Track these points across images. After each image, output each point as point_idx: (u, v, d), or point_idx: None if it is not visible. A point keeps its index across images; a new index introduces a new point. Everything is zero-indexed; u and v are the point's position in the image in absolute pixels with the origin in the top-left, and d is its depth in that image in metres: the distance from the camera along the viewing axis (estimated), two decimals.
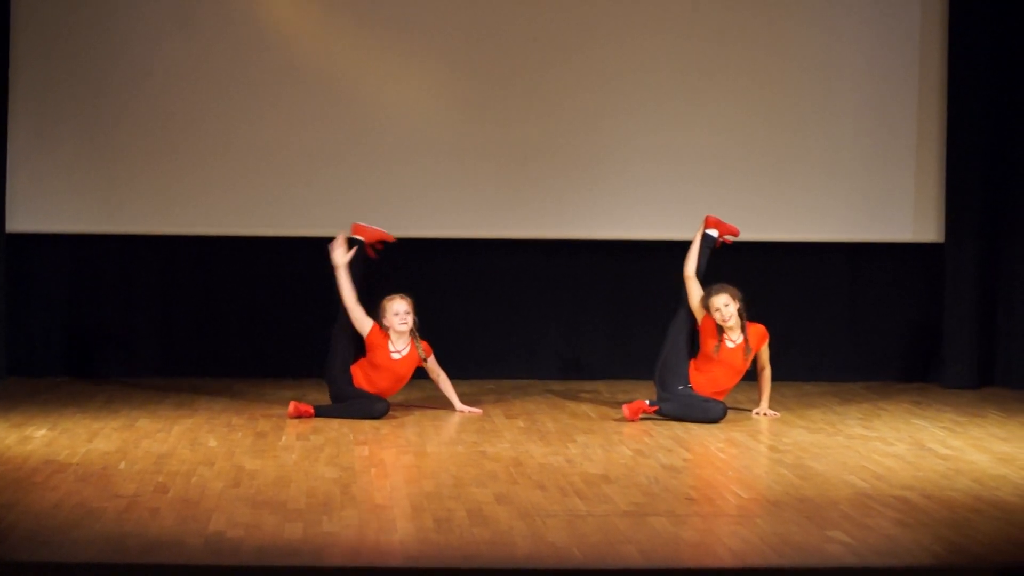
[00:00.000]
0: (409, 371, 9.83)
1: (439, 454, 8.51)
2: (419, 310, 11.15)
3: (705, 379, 9.80)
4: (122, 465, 8.01)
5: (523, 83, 11.22)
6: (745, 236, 11.20)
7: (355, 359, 9.81)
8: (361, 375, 9.78)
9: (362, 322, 9.73)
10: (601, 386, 11.11)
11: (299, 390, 10.64)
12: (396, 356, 9.74)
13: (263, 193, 11.15)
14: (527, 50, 11.22)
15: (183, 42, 11.06)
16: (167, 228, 11.17)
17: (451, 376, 11.08)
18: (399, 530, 6.67)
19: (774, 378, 10.92)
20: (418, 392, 10.58)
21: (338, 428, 9.30)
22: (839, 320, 11.64)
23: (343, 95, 11.15)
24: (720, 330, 9.77)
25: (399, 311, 9.71)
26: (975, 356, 11.39)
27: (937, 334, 11.51)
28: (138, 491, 7.36)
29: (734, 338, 9.80)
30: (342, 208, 11.09)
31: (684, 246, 11.01)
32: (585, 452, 8.59)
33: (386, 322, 9.73)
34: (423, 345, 9.85)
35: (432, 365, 9.97)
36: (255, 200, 11.14)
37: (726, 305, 9.72)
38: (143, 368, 11.28)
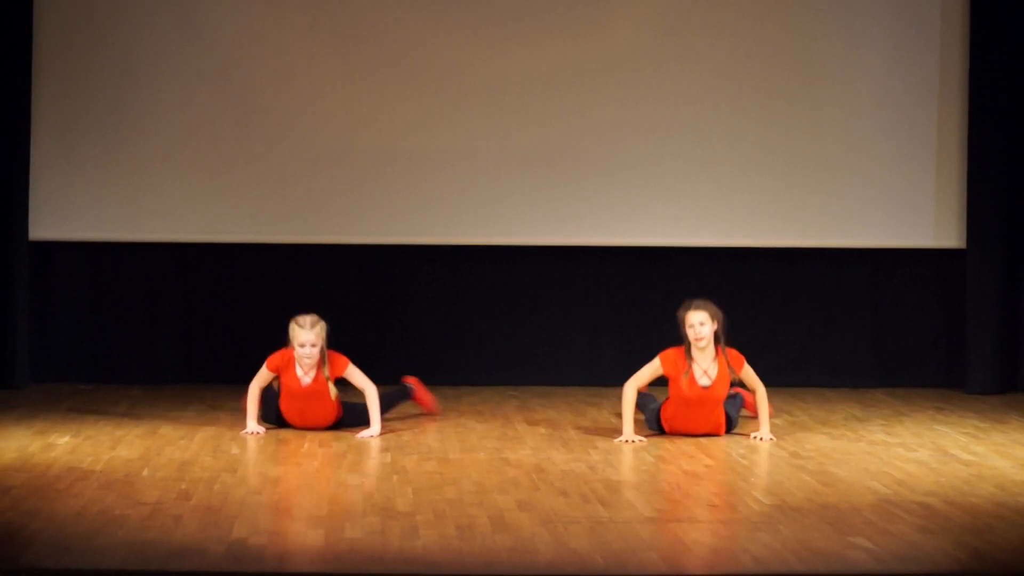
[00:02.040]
0: (327, 393, 9.28)
1: (461, 461, 8.51)
2: (441, 317, 11.18)
3: (679, 421, 9.24)
4: (145, 472, 8.03)
5: (543, 91, 11.22)
6: (765, 242, 11.21)
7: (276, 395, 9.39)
8: (287, 409, 9.34)
9: (261, 376, 9.27)
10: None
11: None
12: (306, 381, 9.26)
13: (287, 200, 11.16)
14: (545, 56, 11.22)
15: (203, 51, 11.08)
16: (189, 235, 11.20)
17: (473, 383, 11.12)
18: (421, 537, 6.68)
19: (796, 383, 10.94)
20: (441, 400, 10.60)
21: (360, 435, 9.30)
22: (861, 326, 11.62)
23: (364, 103, 11.16)
24: (688, 358, 9.13)
25: (304, 343, 9.12)
26: (998, 362, 11.36)
27: (959, 340, 11.48)
28: (161, 498, 7.38)
29: (707, 370, 9.13)
30: (366, 215, 11.12)
31: (705, 252, 11.03)
32: (607, 459, 8.59)
33: (293, 345, 9.21)
34: (329, 368, 9.21)
35: (353, 379, 9.32)
36: (277, 207, 11.16)
37: (702, 324, 9.07)
38: (166, 375, 11.30)
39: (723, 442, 9.14)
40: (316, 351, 9.21)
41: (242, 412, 9.37)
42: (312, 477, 7.98)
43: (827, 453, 8.81)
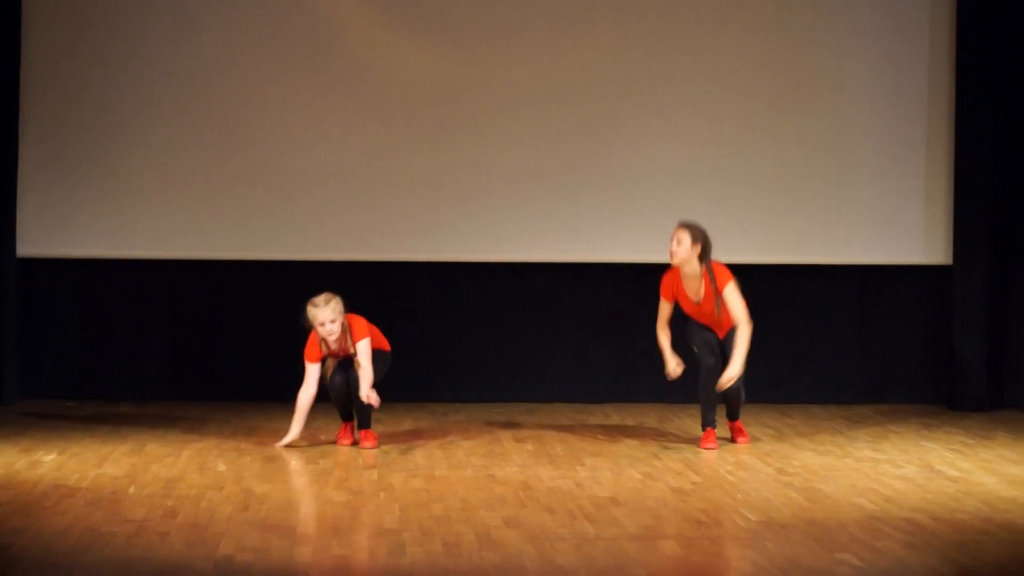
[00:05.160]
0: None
1: (448, 478, 8.51)
2: (428, 334, 11.20)
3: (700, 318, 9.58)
4: (131, 490, 8.02)
5: (530, 108, 11.23)
6: (754, 259, 11.21)
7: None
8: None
9: (309, 378, 9.47)
10: (610, 409, 11.11)
11: (309, 414, 10.63)
12: (336, 347, 9.47)
13: (274, 217, 11.16)
14: (534, 73, 11.24)
15: (192, 69, 11.09)
16: (177, 253, 11.19)
17: (460, 399, 11.14)
18: (408, 554, 6.67)
19: (783, 399, 10.96)
20: (428, 417, 10.60)
21: (347, 452, 9.30)
22: (848, 343, 11.63)
23: (353, 121, 11.17)
24: (680, 277, 9.43)
25: (324, 321, 9.34)
26: (984, 378, 11.38)
27: (946, 356, 11.50)
28: (147, 515, 7.37)
29: (696, 289, 9.42)
30: (354, 232, 11.13)
31: None
32: (594, 475, 8.59)
33: (315, 326, 9.41)
34: (352, 334, 9.39)
35: (361, 353, 9.39)
36: (264, 224, 11.16)
37: (678, 242, 9.30)
38: (152, 392, 11.29)
39: (711, 458, 9.15)
40: (337, 326, 9.36)
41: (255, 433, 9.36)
42: (299, 494, 7.97)
43: (814, 469, 8.82)
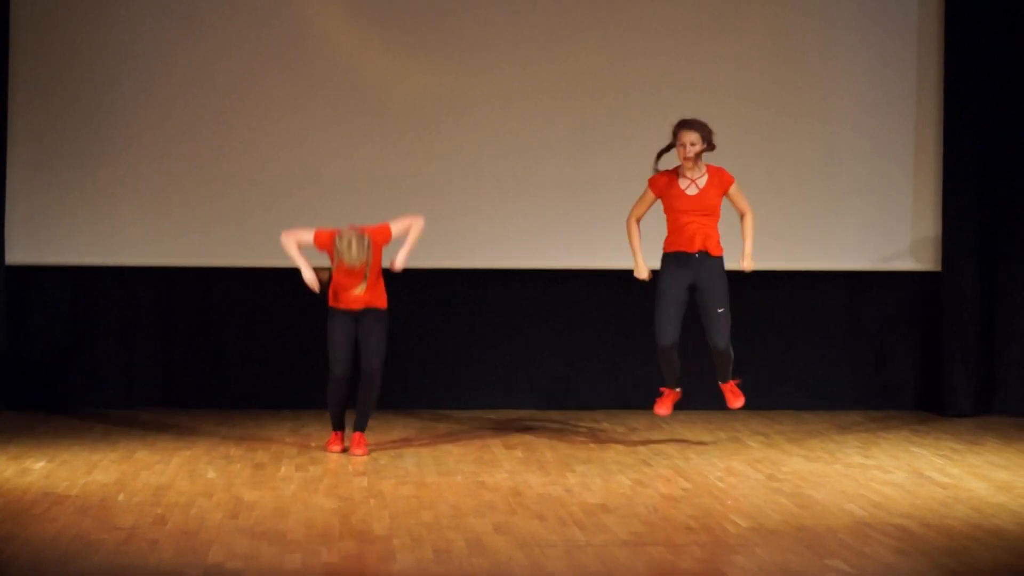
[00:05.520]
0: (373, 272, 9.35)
1: (438, 484, 8.50)
2: (417, 341, 11.18)
3: (677, 234, 9.61)
4: (121, 497, 8.01)
5: (515, 114, 11.23)
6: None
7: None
8: (338, 282, 9.38)
9: (300, 237, 9.34)
10: (600, 415, 11.11)
11: (298, 421, 10.64)
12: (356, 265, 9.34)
13: (265, 224, 11.13)
14: (517, 81, 11.25)
15: (181, 76, 11.08)
16: (165, 260, 11.18)
17: (450, 406, 11.14)
18: (398, 561, 6.67)
19: (772, 405, 10.96)
20: (417, 423, 10.59)
21: (337, 459, 9.30)
22: (837, 349, 11.64)
23: (340, 129, 11.17)
24: (676, 176, 9.57)
25: (352, 264, 9.20)
26: (973, 384, 11.39)
27: (935, 363, 11.51)
28: (137, 523, 7.36)
29: (696, 180, 9.59)
30: None
31: None
32: (584, 482, 8.59)
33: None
34: (375, 237, 9.29)
35: (400, 229, 9.36)
36: (253, 231, 11.14)
37: (692, 144, 9.48)
38: (142, 400, 11.27)
39: (701, 464, 9.15)
40: (361, 260, 9.22)
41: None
42: (288, 501, 7.96)
43: (803, 475, 8.83)
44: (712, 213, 9.64)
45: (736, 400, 9.85)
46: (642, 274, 9.84)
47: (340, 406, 9.52)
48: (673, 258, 9.66)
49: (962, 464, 9.27)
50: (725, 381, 9.85)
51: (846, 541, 7.09)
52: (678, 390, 9.85)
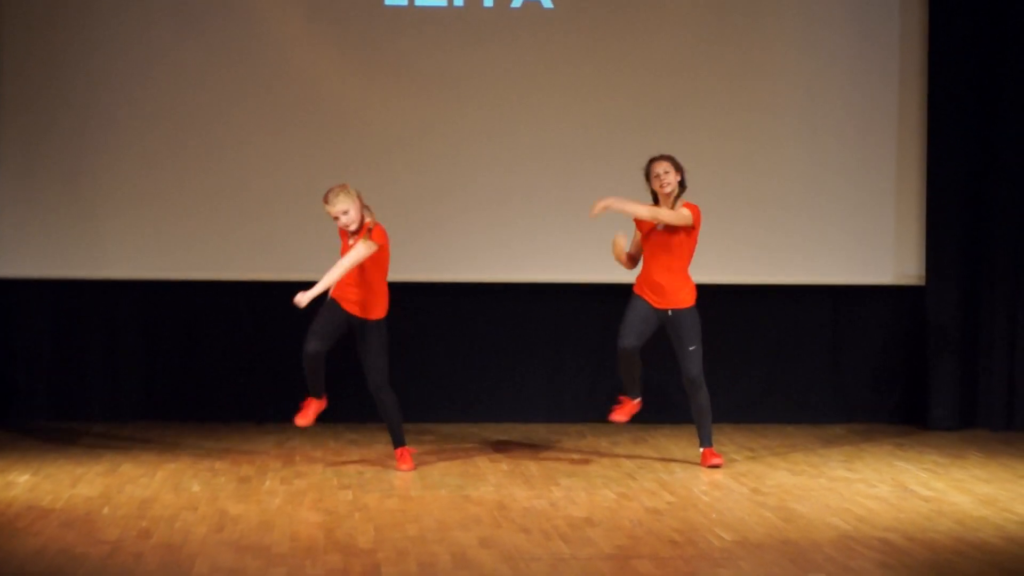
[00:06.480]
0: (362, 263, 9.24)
1: (423, 498, 8.51)
2: (402, 354, 11.17)
3: (646, 279, 9.54)
4: (105, 510, 8.00)
5: (499, 130, 11.26)
6: (727, 279, 11.25)
7: None
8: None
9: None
10: (585, 429, 11.12)
11: (283, 434, 10.64)
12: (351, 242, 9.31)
13: (249, 237, 11.15)
14: (507, 99, 11.27)
15: (167, 89, 11.09)
16: (151, 273, 11.17)
17: (435, 419, 11.14)
18: (383, 574, 6.67)
19: (757, 419, 10.98)
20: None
21: (322, 473, 9.29)
22: (822, 363, 11.66)
23: (332, 141, 11.19)
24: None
25: (336, 215, 9.12)
26: (957, 398, 11.42)
27: (919, 376, 11.53)
28: (121, 536, 7.35)
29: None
30: (328, 254, 11.09)
31: None
32: (569, 495, 8.59)
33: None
34: (371, 232, 9.14)
35: (349, 255, 9.13)
36: (238, 245, 11.15)
37: (666, 172, 9.40)
38: (126, 413, 11.26)
39: (686, 478, 9.16)
40: (350, 218, 9.13)
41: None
42: (273, 514, 7.96)
43: (788, 489, 8.84)
44: (680, 255, 9.49)
45: (714, 461, 9.70)
46: (620, 241, 9.72)
47: (312, 377, 9.41)
48: (641, 300, 9.59)
49: (946, 478, 9.29)
50: (706, 444, 9.66)
51: (830, 555, 7.10)
52: (637, 400, 9.77)
